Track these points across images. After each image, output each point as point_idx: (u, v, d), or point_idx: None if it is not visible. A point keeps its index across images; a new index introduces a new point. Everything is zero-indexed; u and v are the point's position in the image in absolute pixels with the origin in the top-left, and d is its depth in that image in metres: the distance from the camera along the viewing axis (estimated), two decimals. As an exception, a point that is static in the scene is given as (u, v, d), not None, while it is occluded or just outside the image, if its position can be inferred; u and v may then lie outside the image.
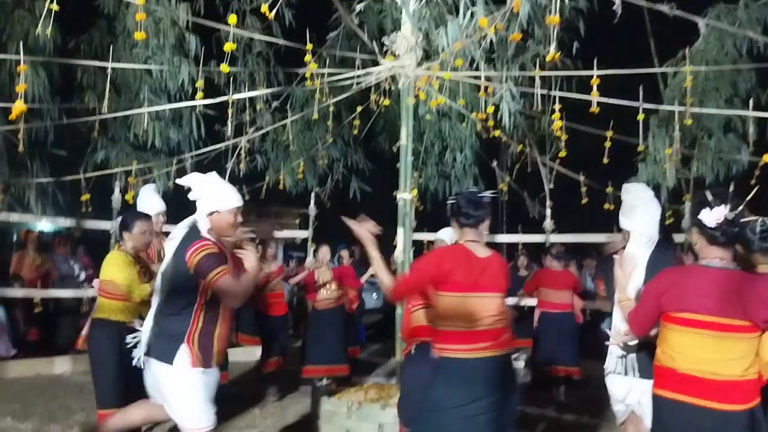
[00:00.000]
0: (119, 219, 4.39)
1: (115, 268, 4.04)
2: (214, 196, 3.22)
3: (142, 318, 3.56)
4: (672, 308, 2.57)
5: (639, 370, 3.28)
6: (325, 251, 6.90)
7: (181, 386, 3.15)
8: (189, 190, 3.27)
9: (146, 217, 4.29)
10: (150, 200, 4.91)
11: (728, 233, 2.50)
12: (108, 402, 3.86)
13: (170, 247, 3.25)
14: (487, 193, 3.17)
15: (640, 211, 3.39)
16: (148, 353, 3.25)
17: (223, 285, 3.07)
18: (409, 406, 3.51)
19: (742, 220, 2.54)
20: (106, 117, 6.23)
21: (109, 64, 5.46)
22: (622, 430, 3.55)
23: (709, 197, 2.52)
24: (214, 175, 3.35)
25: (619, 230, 3.58)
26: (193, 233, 3.20)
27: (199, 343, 3.16)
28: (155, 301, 3.32)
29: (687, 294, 2.52)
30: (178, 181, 3.34)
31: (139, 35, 4.44)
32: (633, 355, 3.31)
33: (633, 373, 3.30)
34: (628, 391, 3.35)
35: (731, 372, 2.44)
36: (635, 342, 3.22)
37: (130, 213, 4.36)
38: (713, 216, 2.47)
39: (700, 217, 2.52)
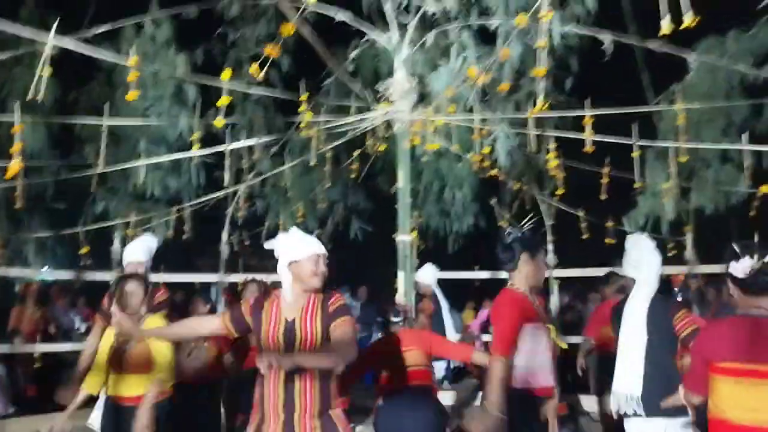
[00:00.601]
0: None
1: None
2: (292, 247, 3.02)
3: None
4: (716, 359, 2.58)
5: (645, 409, 3.42)
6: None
7: None
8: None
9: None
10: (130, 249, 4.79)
11: (760, 283, 2.52)
12: None
13: None
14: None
15: (646, 261, 3.61)
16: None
17: None
18: None
19: None
20: (104, 171, 6.26)
21: (105, 121, 5.52)
22: None
23: (737, 248, 2.57)
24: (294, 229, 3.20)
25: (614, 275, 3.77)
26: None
27: None
28: None
29: (728, 344, 2.54)
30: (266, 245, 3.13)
31: (131, 96, 4.49)
32: (638, 395, 3.45)
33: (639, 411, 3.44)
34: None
35: None
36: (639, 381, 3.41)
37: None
38: (740, 267, 2.54)
39: (729, 270, 2.59)
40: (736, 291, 2.61)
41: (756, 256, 2.51)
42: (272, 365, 2.43)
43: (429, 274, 6.93)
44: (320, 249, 3.04)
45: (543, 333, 3.37)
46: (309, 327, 2.87)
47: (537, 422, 3.29)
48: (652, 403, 3.36)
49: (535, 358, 3.29)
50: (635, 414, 3.45)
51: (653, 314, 3.51)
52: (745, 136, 5.98)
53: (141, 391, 3.71)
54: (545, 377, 3.32)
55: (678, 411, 3.24)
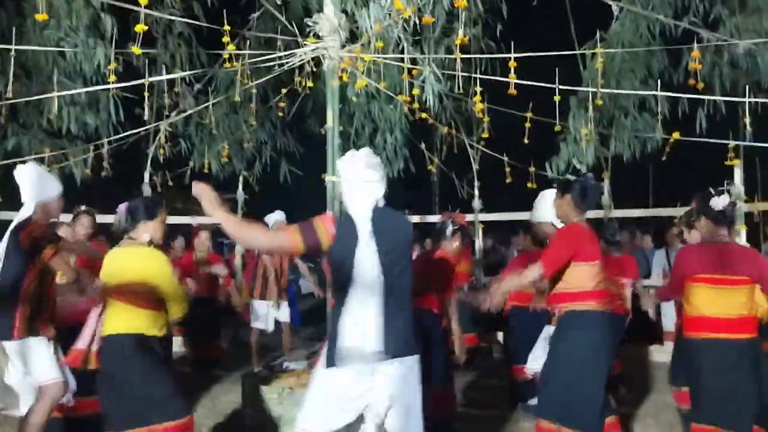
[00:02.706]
0: (125, 206, 3.59)
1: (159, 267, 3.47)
2: None
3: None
4: (696, 272, 3.59)
5: None
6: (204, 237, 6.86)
7: None
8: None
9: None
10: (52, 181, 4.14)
11: (728, 215, 3.57)
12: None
13: None
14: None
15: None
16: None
17: None
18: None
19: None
20: (15, 101, 5.89)
21: (13, 47, 5.15)
22: None
23: (712, 191, 3.56)
24: None
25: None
26: None
27: None
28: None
29: (704, 261, 3.56)
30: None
31: (41, 17, 4.20)
32: None
33: None
34: None
35: (739, 312, 3.49)
36: None
37: (146, 198, 3.87)
38: (720, 202, 3.48)
39: (711, 204, 3.50)
40: (709, 224, 3.57)
41: (729, 195, 3.47)
42: None
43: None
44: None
45: None
46: None
47: None
48: None
49: None
50: None
51: None
52: (660, 85, 6.22)
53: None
54: None
55: None
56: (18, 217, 3.84)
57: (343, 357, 2.71)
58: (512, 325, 5.60)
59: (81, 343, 3.59)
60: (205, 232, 6.92)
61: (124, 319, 3.40)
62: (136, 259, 3.46)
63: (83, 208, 5.13)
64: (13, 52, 5.13)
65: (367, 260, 2.72)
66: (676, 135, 5.98)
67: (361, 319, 2.70)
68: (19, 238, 3.67)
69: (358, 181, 2.85)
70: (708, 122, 6.29)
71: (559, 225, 3.91)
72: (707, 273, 3.54)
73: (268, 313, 6.76)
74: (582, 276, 3.58)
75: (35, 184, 3.84)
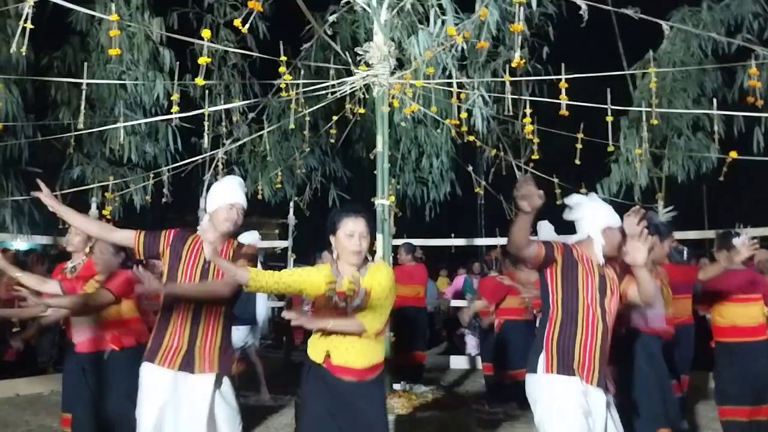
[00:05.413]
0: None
1: None
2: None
3: None
4: (731, 292, 4.36)
5: None
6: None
7: None
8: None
9: None
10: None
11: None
12: None
13: None
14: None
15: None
16: None
17: None
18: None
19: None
20: (81, 133, 6.21)
21: (84, 80, 5.46)
22: None
23: (733, 233, 4.32)
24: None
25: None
26: None
27: None
28: None
29: (735, 285, 4.32)
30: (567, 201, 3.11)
31: (113, 51, 4.46)
32: None
33: None
34: None
35: (757, 322, 4.38)
36: None
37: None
38: (740, 242, 4.05)
39: (734, 243, 4.11)
40: (729, 256, 4.11)
41: (745, 236, 4.11)
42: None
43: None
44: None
45: None
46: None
47: None
48: None
49: None
50: None
51: None
52: (715, 103, 6.11)
53: None
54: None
55: None
56: None
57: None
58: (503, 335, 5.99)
59: None
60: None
61: None
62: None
63: None
64: (84, 86, 5.42)
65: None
66: (733, 154, 5.81)
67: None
68: None
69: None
70: (766, 141, 6.14)
71: None
72: (736, 293, 4.39)
73: None
74: None
75: None
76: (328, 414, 2.75)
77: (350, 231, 2.77)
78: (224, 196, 3.07)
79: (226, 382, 3.05)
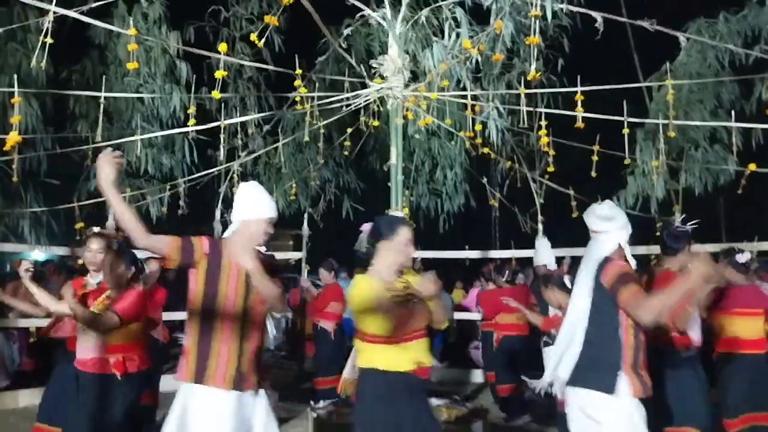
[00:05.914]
0: (367, 226, 3.26)
1: None
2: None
3: None
4: (732, 307, 4.49)
5: None
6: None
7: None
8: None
9: None
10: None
11: (747, 267, 4.58)
12: None
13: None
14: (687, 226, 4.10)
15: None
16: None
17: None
18: None
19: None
20: (99, 145, 6.27)
21: (102, 94, 5.53)
22: None
23: (737, 249, 4.62)
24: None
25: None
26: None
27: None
28: None
29: (737, 299, 4.48)
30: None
31: (131, 65, 4.52)
32: None
33: None
34: None
35: (758, 335, 4.51)
36: None
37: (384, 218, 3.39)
38: (743, 258, 4.47)
39: (737, 259, 4.48)
40: (733, 272, 4.49)
41: (747, 252, 4.55)
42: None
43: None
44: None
45: None
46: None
47: None
48: None
49: None
50: None
51: None
52: (733, 115, 6.05)
53: None
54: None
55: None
56: None
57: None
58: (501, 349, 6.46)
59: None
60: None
61: None
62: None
63: (95, 229, 4.65)
64: (102, 99, 5.49)
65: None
66: (752, 166, 5.74)
67: None
68: None
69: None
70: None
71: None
72: (739, 307, 4.52)
73: None
74: None
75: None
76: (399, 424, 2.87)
77: (408, 238, 2.98)
78: (265, 210, 2.99)
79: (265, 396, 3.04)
